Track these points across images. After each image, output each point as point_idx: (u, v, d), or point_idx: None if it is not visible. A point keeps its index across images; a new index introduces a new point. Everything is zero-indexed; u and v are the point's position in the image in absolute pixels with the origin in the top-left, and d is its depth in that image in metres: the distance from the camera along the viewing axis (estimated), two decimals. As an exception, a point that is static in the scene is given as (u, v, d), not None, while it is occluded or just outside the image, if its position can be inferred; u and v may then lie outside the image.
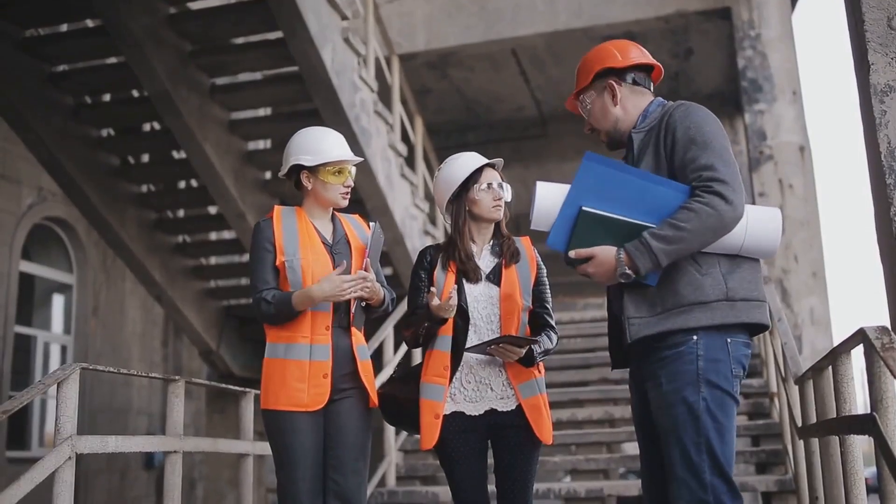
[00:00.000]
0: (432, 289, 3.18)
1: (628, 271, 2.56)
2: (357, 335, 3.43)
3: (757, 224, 2.63)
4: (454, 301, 3.14)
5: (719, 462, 2.55)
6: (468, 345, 3.19)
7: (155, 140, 9.05)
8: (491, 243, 3.36)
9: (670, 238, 2.53)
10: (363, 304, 3.45)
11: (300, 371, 3.29)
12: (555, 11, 11.23)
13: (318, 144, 3.43)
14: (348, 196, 3.48)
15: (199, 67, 7.74)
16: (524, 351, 3.16)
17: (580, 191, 2.61)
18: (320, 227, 3.47)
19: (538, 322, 3.31)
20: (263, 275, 3.35)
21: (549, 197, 2.65)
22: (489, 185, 3.31)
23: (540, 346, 3.21)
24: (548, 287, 3.39)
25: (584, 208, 2.59)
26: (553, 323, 3.34)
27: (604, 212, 2.58)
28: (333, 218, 3.54)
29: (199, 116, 7.70)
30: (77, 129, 8.20)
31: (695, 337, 2.59)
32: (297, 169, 3.44)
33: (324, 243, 3.43)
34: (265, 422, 3.36)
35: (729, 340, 2.62)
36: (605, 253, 2.58)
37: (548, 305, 3.36)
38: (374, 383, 3.45)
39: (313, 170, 3.41)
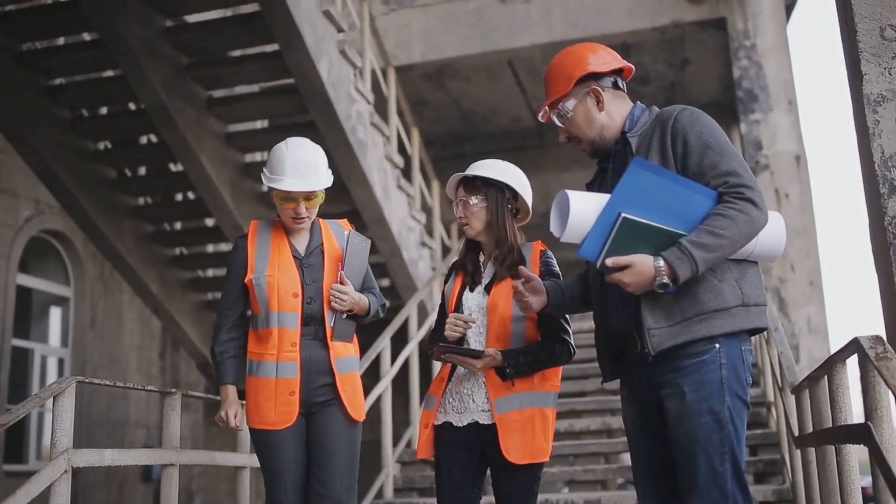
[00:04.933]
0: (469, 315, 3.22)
1: (667, 280, 2.46)
2: (338, 348, 3.37)
3: (766, 229, 2.60)
4: (464, 323, 3.16)
5: (740, 471, 2.54)
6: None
7: (152, 152, 9.06)
8: (496, 253, 3.29)
9: (710, 246, 2.45)
10: (343, 315, 3.40)
11: (268, 389, 3.31)
12: (550, 23, 11.27)
13: (278, 165, 3.36)
14: (302, 224, 3.39)
15: (195, 80, 7.76)
16: (479, 363, 3.09)
17: (621, 197, 2.49)
18: (295, 240, 3.44)
19: (543, 331, 3.21)
20: (228, 300, 3.44)
21: (584, 207, 2.53)
22: (455, 204, 3.31)
23: (519, 358, 3.11)
24: None
25: (624, 215, 2.47)
26: (560, 334, 3.19)
27: (643, 219, 2.50)
28: (313, 226, 3.49)
29: (195, 129, 7.72)
30: (74, 141, 8.21)
31: (717, 345, 2.55)
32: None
33: (295, 257, 3.40)
34: (251, 438, 3.43)
35: (742, 348, 2.60)
36: (643, 262, 2.47)
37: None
38: (354, 397, 3.39)
39: (271, 189, 3.39)
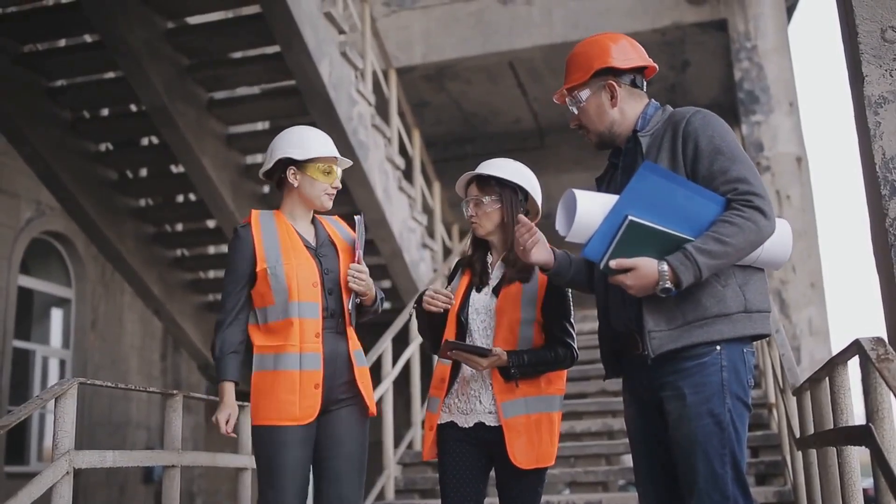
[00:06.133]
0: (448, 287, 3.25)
1: (669, 285, 2.46)
2: (354, 339, 3.33)
3: (773, 236, 2.60)
4: (443, 296, 3.17)
5: (741, 473, 2.53)
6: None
7: (153, 154, 9.08)
8: (506, 255, 3.25)
9: (715, 253, 2.45)
10: (357, 300, 3.33)
11: (290, 383, 3.17)
12: (551, 24, 11.27)
13: (308, 141, 3.34)
14: (333, 198, 3.38)
15: (196, 81, 7.76)
16: (485, 361, 3.06)
17: (629, 200, 2.49)
18: (302, 230, 3.35)
19: (548, 336, 3.19)
20: (233, 292, 3.27)
21: (591, 207, 2.53)
22: (466, 203, 3.30)
23: (524, 359, 3.09)
24: (565, 299, 3.23)
25: (631, 218, 2.47)
26: (565, 338, 3.18)
27: (649, 222, 2.49)
28: (314, 220, 3.43)
29: (196, 130, 7.72)
30: (75, 143, 8.22)
31: (718, 347, 2.55)
32: (284, 165, 3.32)
33: (307, 247, 3.31)
34: (254, 437, 3.25)
35: (744, 350, 2.60)
36: (647, 265, 2.48)
37: (560, 318, 3.20)
38: (371, 391, 3.33)
39: (301, 166, 3.31)
